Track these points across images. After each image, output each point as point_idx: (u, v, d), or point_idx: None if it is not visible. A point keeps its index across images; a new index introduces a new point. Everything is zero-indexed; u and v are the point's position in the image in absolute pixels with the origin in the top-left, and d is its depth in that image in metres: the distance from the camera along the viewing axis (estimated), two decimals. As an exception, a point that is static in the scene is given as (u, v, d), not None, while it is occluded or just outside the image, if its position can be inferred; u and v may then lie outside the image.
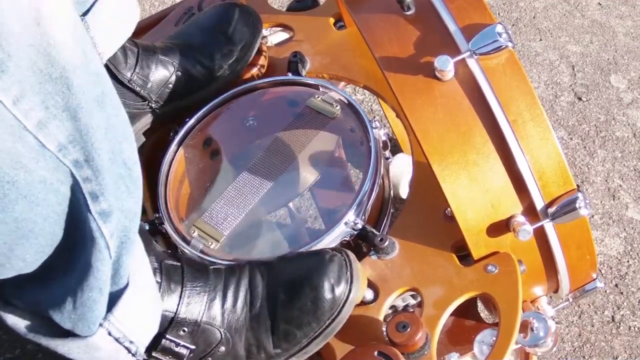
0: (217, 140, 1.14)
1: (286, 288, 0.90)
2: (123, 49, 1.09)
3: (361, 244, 1.01)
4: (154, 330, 0.86)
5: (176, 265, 0.90)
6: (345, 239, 0.99)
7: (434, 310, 0.90)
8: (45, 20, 0.60)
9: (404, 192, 1.18)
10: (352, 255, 0.92)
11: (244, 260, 0.95)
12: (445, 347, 0.96)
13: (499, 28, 0.90)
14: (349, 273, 0.89)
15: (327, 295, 0.88)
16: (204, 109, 1.14)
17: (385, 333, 0.88)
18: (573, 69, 1.69)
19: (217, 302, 0.89)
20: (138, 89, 1.10)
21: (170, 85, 1.13)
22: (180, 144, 1.12)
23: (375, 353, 0.86)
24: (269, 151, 1.08)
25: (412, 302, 0.99)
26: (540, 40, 1.77)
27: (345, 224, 0.97)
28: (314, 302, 0.88)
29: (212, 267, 0.92)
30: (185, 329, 0.87)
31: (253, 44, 1.17)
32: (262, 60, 1.20)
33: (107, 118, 0.68)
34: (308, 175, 1.07)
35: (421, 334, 0.86)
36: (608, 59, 1.71)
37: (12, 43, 0.57)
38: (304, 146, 1.08)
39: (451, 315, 0.92)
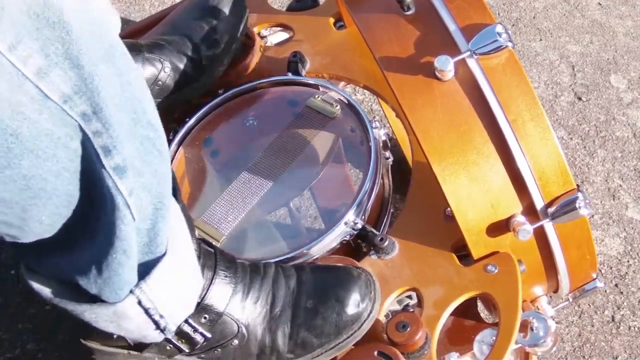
0: (217, 140, 1.14)
1: (312, 297, 0.90)
2: None
3: (361, 243, 1.01)
4: (188, 309, 0.84)
5: (210, 251, 0.88)
6: (345, 238, 0.99)
7: (434, 310, 0.91)
8: None
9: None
10: (374, 275, 0.92)
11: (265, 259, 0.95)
12: (445, 347, 0.96)
13: (499, 28, 0.90)
14: (373, 292, 0.90)
15: (352, 310, 0.89)
16: (204, 109, 1.14)
17: (385, 333, 0.88)
18: (573, 69, 1.69)
19: (240, 296, 0.88)
20: None
21: (160, 82, 1.12)
22: (180, 144, 1.12)
23: (375, 353, 0.86)
24: (268, 151, 1.08)
25: (412, 302, 0.99)
26: (540, 40, 1.77)
27: (345, 223, 0.97)
28: (339, 314, 0.89)
29: (239, 261, 0.91)
30: (207, 316, 0.86)
31: (238, 31, 1.17)
32: (256, 51, 1.19)
33: (118, 72, 0.65)
34: (308, 175, 1.07)
35: (421, 334, 0.86)
36: (608, 59, 1.71)
37: None
38: (304, 146, 1.08)
39: (451, 315, 0.92)
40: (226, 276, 0.87)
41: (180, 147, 1.12)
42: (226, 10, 1.16)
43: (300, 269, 0.93)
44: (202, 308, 0.85)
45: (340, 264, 0.95)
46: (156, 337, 0.83)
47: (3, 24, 0.55)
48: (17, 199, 0.63)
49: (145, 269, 0.76)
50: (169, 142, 1.11)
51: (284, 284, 0.90)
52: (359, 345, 0.90)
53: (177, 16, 1.20)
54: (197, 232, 1.00)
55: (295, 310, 0.89)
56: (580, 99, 1.63)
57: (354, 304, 0.89)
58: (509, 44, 0.90)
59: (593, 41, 1.76)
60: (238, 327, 0.87)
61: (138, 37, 1.19)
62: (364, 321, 0.89)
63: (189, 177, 1.11)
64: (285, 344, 0.89)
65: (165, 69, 1.12)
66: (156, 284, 0.77)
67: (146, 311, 0.78)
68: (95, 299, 0.75)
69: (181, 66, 1.13)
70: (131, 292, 0.76)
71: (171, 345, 0.86)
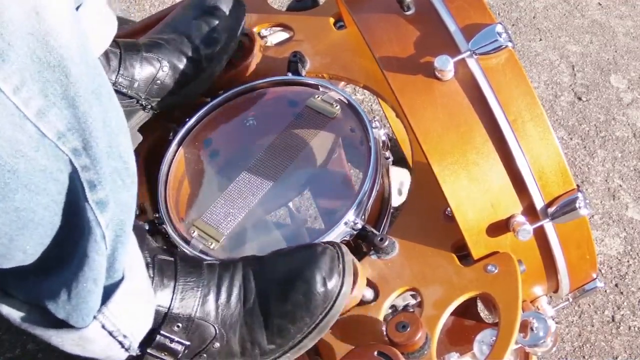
0: (217, 140, 1.14)
1: (278, 282, 0.89)
2: (104, 53, 1.09)
3: (361, 244, 1.01)
4: (147, 325, 0.86)
5: (169, 260, 0.90)
6: (345, 238, 0.99)
7: (434, 310, 0.90)
8: (43, 8, 0.60)
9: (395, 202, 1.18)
10: (344, 248, 0.91)
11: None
12: (445, 347, 0.96)
13: (499, 28, 0.90)
14: (341, 266, 0.89)
15: (320, 288, 0.87)
16: (204, 108, 1.14)
17: (385, 333, 0.88)
18: (573, 69, 1.69)
19: (211, 298, 0.89)
20: (124, 90, 1.10)
21: (159, 82, 1.12)
22: (180, 144, 1.12)
23: (375, 353, 0.86)
24: (268, 151, 1.08)
25: (412, 302, 0.99)
26: (540, 40, 1.77)
27: (345, 224, 0.97)
28: (306, 296, 0.88)
29: (205, 262, 0.92)
30: (180, 325, 0.87)
31: (237, 30, 1.17)
32: (256, 51, 1.19)
33: (104, 110, 0.68)
34: (308, 175, 1.07)
35: (421, 334, 0.86)
36: (608, 59, 1.71)
37: (12, 32, 0.58)
38: (304, 146, 1.08)
39: (451, 315, 0.92)
40: (189, 282, 0.88)
41: (180, 147, 1.12)
42: (224, 9, 1.16)
43: (265, 257, 0.93)
44: (172, 317, 0.86)
45: (306, 244, 0.94)
46: (121, 355, 0.85)
47: (10, 67, 0.58)
48: (7, 229, 0.66)
49: (106, 294, 0.78)
50: (169, 142, 1.11)
51: (252, 276, 0.91)
52: (359, 345, 0.90)
53: (176, 15, 1.20)
54: (196, 232, 1.01)
55: (266, 299, 0.89)
56: (580, 99, 1.63)
57: (320, 282, 0.87)
58: (509, 44, 0.90)
59: (593, 41, 1.76)
60: (215, 328, 0.88)
61: (138, 37, 1.19)
62: (336, 297, 0.88)
63: (189, 177, 1.11)
64: (263, 336, 0.89)
65: (163, 68, 1.12)
66: (117, 307, 0.79)
67: (110, 333, 0.80)
68: (61, 324, 0.77)
69: (180, 65, 1.13)
70: (94, 317, 0.78)
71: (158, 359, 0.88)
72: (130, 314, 0.82)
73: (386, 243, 0.96)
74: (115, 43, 1.11)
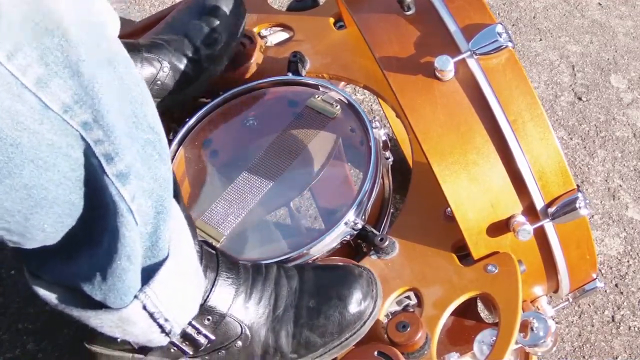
0: (217, 140, 1.14)
1: (314, 296, 0.90)
2: None
3: (361, 244, 1.01)
4: (192, 311, 0.84)
5: (212, 253, 0.89)
6: (345, 238, 0.99)
7: (434, 310, 0.90)
8: None
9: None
10: (375, 274, 0.92)
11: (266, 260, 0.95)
12: (445, 347, 0.96)
13: (499, 28, 0.90)
14: (375, 290, 0.90)
15: (354, 309, 0.89)
16: (204, 108, 1.14)
17: (385, 333, 0.88)
18: (573, 69, 1.69)
19: (243, 298, 0.88)
20: None
21: (159, 82, 1.12)
22: (180, 144, 1.12)
23: (375, 353, 0.86)
24: (269, 151, 1.08)
25: (412, 302, 0.99)
26: (540, 40, 1.77)
27: (345, 224, 0.97)
28: (341, 313, 0.89)
29: (241, 262, 0.91)
30: (210, 318, 0.86)
31: (237, 31, 1.17)
32: (257, 53, 1.19)
33: (119, 77, 0.65)
34: (308, 175, 1.07)
35: (421, 334, 0.86)
36: (608, 59, 1.71)
37: None
38: (304, 146, 1.08)
39: (451, 315, 0.92)
40: (228, 277, 0.87)
41: (180, 147, 1.12)
42: (225, 9, 1.16)
43: (301, 269, 0.93)
44: (205, 310, 0.85)
45: (342, 263, 0.95)
46: (162, 340, 0.83)
47: (1, 32, 0.55)
48: (19, 207, 0.63)
49: (148, 273, 0.76)
50: (169, 142, 1.11)
51: (286, 284, 0.90)
52: (359, 345, 0.90)
53: (176, 16, 1.20)
54: (198, 233, 1.01)
55: (298, 310, 0.89)
56: (580, 99, 1.63)
57: (356, 302, 0.89)
58: (509, 44, 0.90)
59: (593, 41, 1.76)
60: (241, 328, 0.87)
61: (138, 37, 1.19)
62: (367, 320, 0.89)
63: (189, 177, 1.11)
64: (288, 344, 0.89)
65: (164, 69, 1.12)
66: (160, 287, 0.77)
67: (151, 315, 0.78)
68: (100, 305, 0.75)
69: (180, 66, 1.13)
70: (135, 297, 0.76)
71: (175, 348, 0.86)
72: (174, 296, 0.80)
73: (386, 243, 0.96)
74: None
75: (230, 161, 1.12)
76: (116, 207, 0.67)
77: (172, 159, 1.10)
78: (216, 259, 0.88)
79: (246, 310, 0.88)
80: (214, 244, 1.00)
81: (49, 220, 0.66)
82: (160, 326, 0.80)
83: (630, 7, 1.85)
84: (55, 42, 0.59)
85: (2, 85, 0.56)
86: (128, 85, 0.67)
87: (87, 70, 0.61)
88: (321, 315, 0.89)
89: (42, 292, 0.76)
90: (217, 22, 1.15)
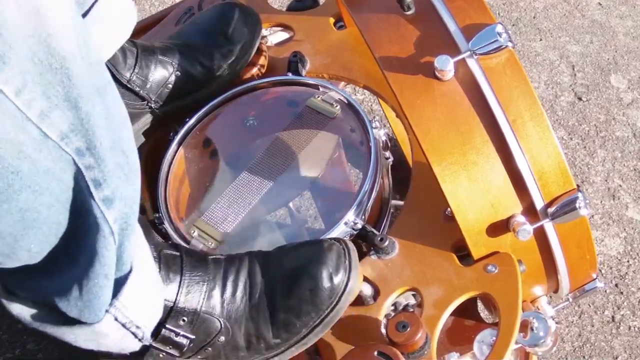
0: (217, 140, 1.14)
1: (285, 277, 0.90)
2: (122, 49, 1.09)
3: (361, 244, 1.01)
4: (158, 315, 0.86)
5: (175, 255, 0.90)
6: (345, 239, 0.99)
7: (434, 310, 0.90)
8: (44, 9, 0.60)
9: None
10: (350, 244, 0.91)
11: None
12: (445, 347, 0.96)
13: (499, 28, 0.90)
14: (347, 262, 0.89)
15: (326, 284, 0.88)
16: (204, 109, 1.14)
17: (385, 333, 0.88)
18: (573, 69, 1.69)
19: (217, 292, 0.89)
20: (137, 89, 1.10)
21: (170, 86, 1.13)
22: (180, 144, 1.12)
23: (375, 353, 0.86)
24: (268, 151, 1.08)
25: (412, 302, 0.99)
26: (540, 40, 1.77)
27: (345, 224, 0.97)
28: (313, 291, 0.88)
29: (211, 257, 0.92)
30: (185, 319, 0.87)
31: (252, 44, 1.18)
32: (262, 60, 1.20)
33: (107, 107, 0.68)
34: (308, 176, 1.07)
35: (421, 334, 0.86)
36: (608, 59, 1.71)
37: (12, 33, 0.58)
38: (304, 146, 1.08)
39: (451, 315, 0.92)
40: (195, 276, 0.89)
41: (180, 147, 1.12)
42: (242, 22, 1.17)
43: (273, 252, 0.93)
44: (177, 311, 0.87)
45: (312, 239, 0.94)
46: (135, 346, 0.85)
47: (11, 70, 0.58)
48: (11, 230, 0.65)
49: (116, 287, 0.77)
50: (169, 142, 1.11)
51: (259, 271, 0.91)
52: (359, 345, 0.90)
53: (194, 23, 1.21)
54: (196, 232, 1.01)
55: (272, 294, 0.90)
56: (580, 99, 1.63)
57: (327, 277, 0.88)
58: (509, 44, 0.90)
59: (593, 41, 1.76)
60: (220, 322, 0.88)
61: (138, 37, 1.19)
62: (341, 293, 0.89)
63: (189, 177, 1.11)
64: (269, 330, 0.89)
65: (176, 73, 1.13)
66: (127, 299, 0.79)
67: (123, 325, 0.80)
68: (74, 321, 0.77)
69: (192, 72, 1.14)
70: (107, 311, 0.78)
71: (164, 353, 0.88)
72: (142, 304, 0.82)
73: (386, 243, 0.96)
74: (131, 42, 1.11)
75: (230, 161, 1.12)
76: (99, 229, 0.70)
77: (172, 159, 1.10)
78: (180, 261, 0.89)
79: (222, 304, 0.88)
80: (213, 243, 1.00)
81: (36, 241, 0.68)
82: (133, 333, 0.82)
83: (630, 7, 1.85)
84: (57, 78, 0.62)
85: (9, 119, 0.59)
86: (114, 113, 0.70)
87: (84, 104, 0.64)
88: (293, 296, 0.89)
89: (17, 310, 0.78)
90: (234, 35, 1.16)
